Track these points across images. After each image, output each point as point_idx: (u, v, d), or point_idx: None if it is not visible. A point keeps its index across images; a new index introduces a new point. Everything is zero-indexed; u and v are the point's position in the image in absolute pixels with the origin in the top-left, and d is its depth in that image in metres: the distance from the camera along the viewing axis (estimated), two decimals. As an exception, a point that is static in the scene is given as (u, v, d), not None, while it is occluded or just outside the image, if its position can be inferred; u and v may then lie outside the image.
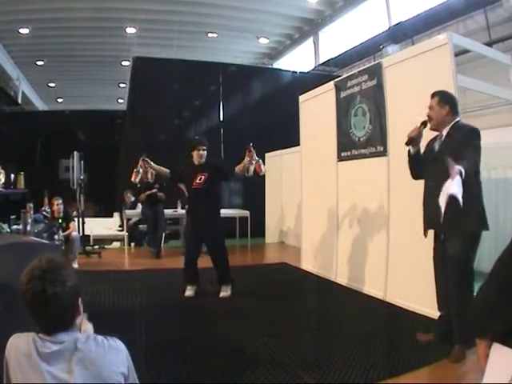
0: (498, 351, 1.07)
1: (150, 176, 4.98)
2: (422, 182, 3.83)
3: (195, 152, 4.38)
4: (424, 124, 2.99)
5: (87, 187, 7.36)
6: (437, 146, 2.94)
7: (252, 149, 4.16)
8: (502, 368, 1.05)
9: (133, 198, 8.22)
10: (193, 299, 4.33)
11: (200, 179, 4.32)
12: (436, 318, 3.52)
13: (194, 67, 10.21)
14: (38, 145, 12.32)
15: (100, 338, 1.23)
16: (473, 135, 2.71)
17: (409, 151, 3.11)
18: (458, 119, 2.88)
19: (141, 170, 4.52)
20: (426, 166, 3.00)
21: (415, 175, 3.19)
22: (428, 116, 2.95)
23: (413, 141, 3.03)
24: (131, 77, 10.33)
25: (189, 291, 4.39)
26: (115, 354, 1.23)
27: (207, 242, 4.56)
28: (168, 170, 4.57)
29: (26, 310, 1.18)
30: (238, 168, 4.29)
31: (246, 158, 4.18)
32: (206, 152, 4.38)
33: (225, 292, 4.40)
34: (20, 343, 1.18)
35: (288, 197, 8.18)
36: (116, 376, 1.20)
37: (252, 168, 4.17)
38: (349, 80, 4.96)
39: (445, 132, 2.89)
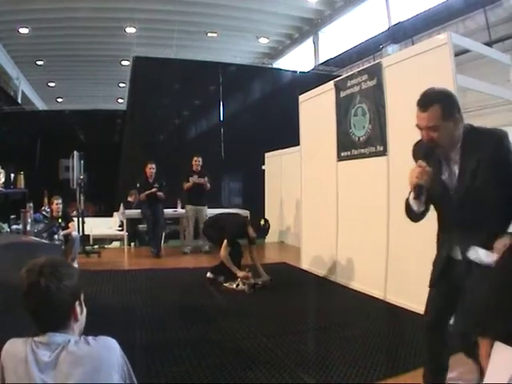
0: (500, 350, 1.07)
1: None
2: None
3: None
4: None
5: (87, 187, 7.36)
6: (446, 173, 1.87)
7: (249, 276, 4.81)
8: (504, 367, 1.05)
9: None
10: (192, 299, 4.33)
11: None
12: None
13: (194, 67, 10.22)
14: (37, 144, 12.32)
15: (91, 339, 1.20)
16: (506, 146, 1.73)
17: (408, 204, 2.12)
18: (465, 124, 1.82)
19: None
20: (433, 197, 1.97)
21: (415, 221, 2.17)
22: (431, 140, 1.78)
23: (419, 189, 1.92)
24: (131, 76, 10.34)
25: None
26: (108, 354, 1.20)
27: None
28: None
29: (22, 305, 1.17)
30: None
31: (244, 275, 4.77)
32: None
33: None
34: (16, 349, 1.17)
35: (288, 196, 8.18)
36: (111, 376, 1.18)
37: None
38: (349, 80, 4.96)
39: (456, 152, 1.81)
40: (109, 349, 1.22)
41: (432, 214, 3.83)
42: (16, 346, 1.17)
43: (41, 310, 1.17)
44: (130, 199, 8.31)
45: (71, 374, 1.12)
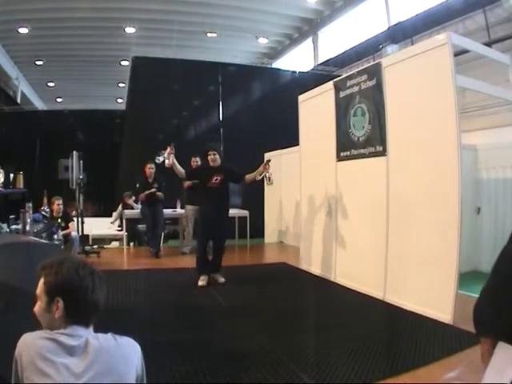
0: (502, 350, 1.07)
1: (171, 161, 4.95)
2: (420, 181, 3.84)
3: (208, 157, 4.95)
4: None
5: (86, 187, 7.35)
6: None
7: (269, 165, 4.93)
8: (506, 367, 1.04)
9: (133, 198, 8.17)
10: (191, 299, 4.33)
11: (216, 180, 4.90)
12: (434, 317, 3.52)
13: (194, 67, 10.20)
14: (37, 144, 12.31)
15: (118, 336, 1.28)
16: None
17: None
18: None
19: (169, 156, 4.84)
20: None
21: None
22: None
23: None
24: (130, 76, 10.34)
25: (202, 281, 4.88)
26: (130, 352, 1.28)
27: (214, 238, 5.11)
28: (183, 170, 4.94)
29: (26, 308, 1.20)
30: (248, 176, 5.01)
31: (261, 169, 4.90)
32: (217, 156, 4.93)
33: (222, 278, 5.05)
34: (32, 341, 1.18)
35: (287, 196, 8.18)
36: (129, 373, 1.23)
37: (264, 174, 4.98)
38: (348, 80, 4.96)
39: None
40: (132, 347, 1.31)
41: (430, 215, 3.84)
42: (32, 339, 1.19)
43: None
44: (128, 202, 8.27)
45: (93, 367, 1.15)
